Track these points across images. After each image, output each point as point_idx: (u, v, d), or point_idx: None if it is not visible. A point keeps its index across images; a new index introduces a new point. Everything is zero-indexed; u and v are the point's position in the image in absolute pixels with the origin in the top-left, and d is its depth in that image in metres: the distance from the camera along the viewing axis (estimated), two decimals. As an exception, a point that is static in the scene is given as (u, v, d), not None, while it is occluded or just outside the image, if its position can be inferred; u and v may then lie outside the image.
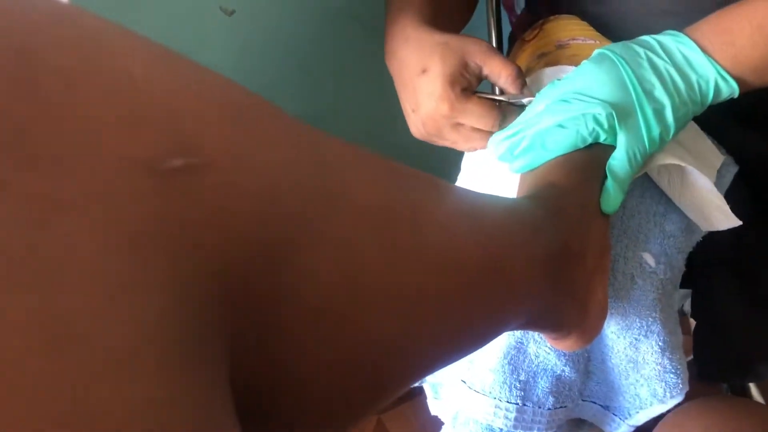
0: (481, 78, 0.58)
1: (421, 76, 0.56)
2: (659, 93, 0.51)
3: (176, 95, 0.22)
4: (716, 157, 0.64)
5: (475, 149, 0.59)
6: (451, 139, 0.58)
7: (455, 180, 0.69)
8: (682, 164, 0.56)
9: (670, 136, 0.52)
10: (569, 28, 0.69)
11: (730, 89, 0.52)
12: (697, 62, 0.52)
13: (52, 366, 0.16)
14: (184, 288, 0.20)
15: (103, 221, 0.18)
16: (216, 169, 0.22)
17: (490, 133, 0.56)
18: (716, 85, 0.52)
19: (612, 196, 0.51)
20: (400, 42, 0.59)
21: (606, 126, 0.50)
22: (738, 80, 0.52)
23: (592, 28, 0.69)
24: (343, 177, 0.28)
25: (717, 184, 0.63)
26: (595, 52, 0.54)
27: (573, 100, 0.51)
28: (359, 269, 0.27)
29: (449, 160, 0.72)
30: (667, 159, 0.55)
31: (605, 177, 0.51)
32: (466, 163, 0.69)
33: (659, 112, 0.51)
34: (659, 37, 0.54)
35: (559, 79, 0.53)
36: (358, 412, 0.30)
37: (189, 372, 0.19)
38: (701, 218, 0.60)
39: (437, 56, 0.55)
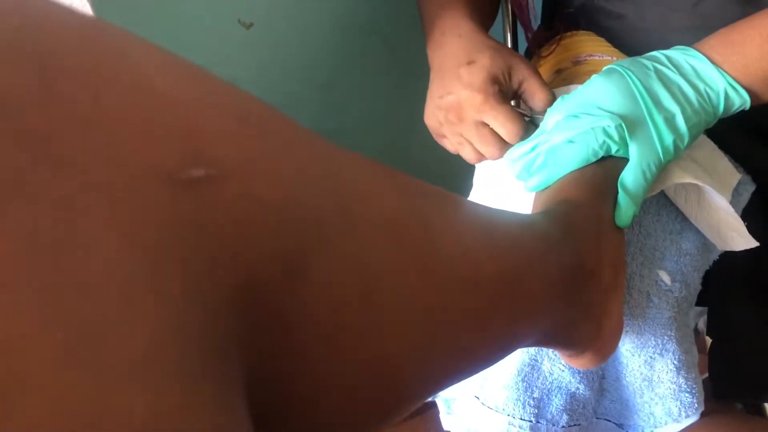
0: (515, 93, 0.59)
1: (466, 67, 0.57)
2: (668, 102, 0.51)
3: (195, 107, 0.23)
4: (733, 175, 0.64)
5: (478, 159, 0.59)
6: (467, 135, 0.58)
7: (467, 196, 0.70)
8: (699, 183, 0.55)
9: (685, 144, 0.52)
10: (586, 45, 0.69)
11: (741, 100, 0.52)
12: (706, 73, 0.52)
13: (70, 373, 0.16)
14: (201, 297, 0.20)
15: (125, 227, 0.19)
16: (235, 180, 0.22)
17: (505, 144, 0.56)
18: (726, 95, 0.52)
19: (624, 210, 0.51)
20: (453, 37, 0.60)
21: (616, 138, 0.50)
22: (749, 92, 0.52)
23: (608, 44, 0.69)
24: (355, 189, 0.28)
25: (734, 203, 0.63)
26: (605, 67, 0.54)
27: (582, 114, 0.51)
28: (373, 283, 0.27)
29: (462, 176, 0.72)
30: (684, 178, 0.55)
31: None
32: (479, 178, 0.69)
33: (670, 121, 0.51)
34: (667, 51, 0.54)
35: (567, 95, 0.53)
36: (370, 428, 0.30)
37: (207, 381, 0.19)
38: (717, 238, 0.60)
39: (487, 54, 0.57)
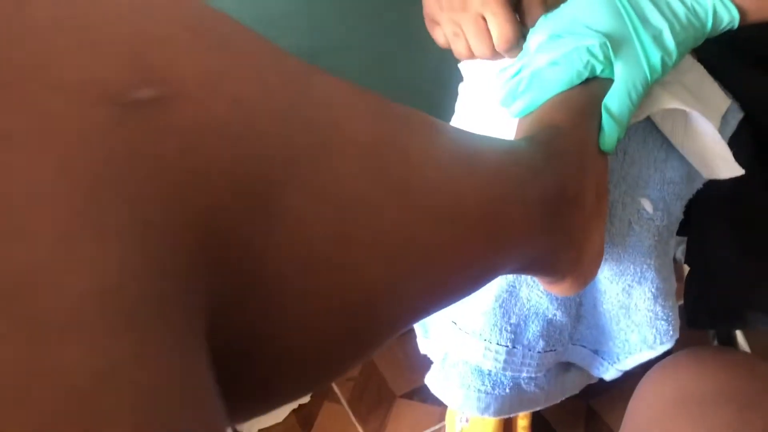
0: (515, 3, 0.57)
1: None
2: (655, 18, 0.49)
3: (142, 13, 0.20)
4: (723, 100, 0.63)
5: (468, 55, 0.57)
6: (465, 26, 0.55)
7: (451, 121, 0.68)
8: (687, 109, 0.54)
9: (673, 60, 0.50)
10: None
11: (729, 16, 0.51)
12: None
13: (2, 326, 0.14)
14: (150, 236, 0.18)
15: (57, 159, 0.16)
16: (187, 101, 0.20)
17: (495, 52, 0.55)
18: (715, 11, 0.50)
19: (608, 134, 0.49)
20: None
21: (601, 57, 0.48)
22: (738, 9, 0.50)
23: None
24: (332, 113, 0.26)
25: (721, 131, 0.62)
26: None
27: (565, 34, 0.49)
28: (348, 216, 0.26)
29: (448, 101, 0.70)
30: (672, 103, 0.54)
31: None
32: (461, 104, 0.67)
33: (657, 37, 0.49)
34: None
35: (549, 13, 0.51)
36: (348, 360, 0.30)
37: (159, 328, 0.17)
38: (703, 165, 0.59)
39: None
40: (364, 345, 0.30)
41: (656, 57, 0.49)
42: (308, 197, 0.24)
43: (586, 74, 0.49)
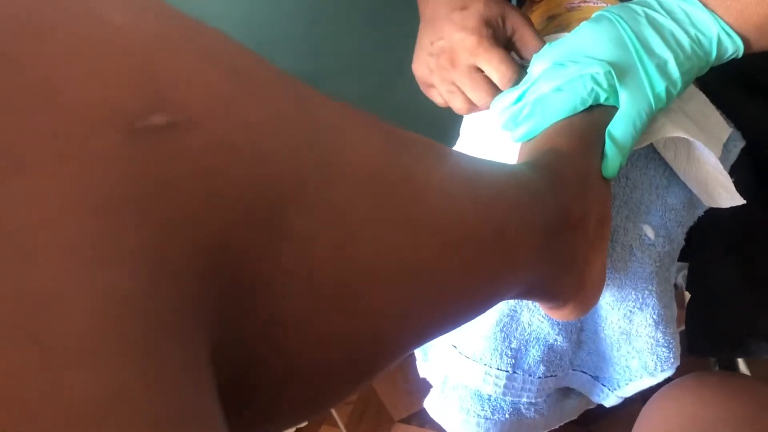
0: (507, 41, 0.58)
1: (459, 11, 0.55)
2: (660, 48, 0.50)
3: (156, 43, 0.20)
4: (724, 130, 0.63)
5: (469, 109, 0.57)
6: (459, 82, 0.56)
7: (454, 146, 0.68)
8: (689, 138, 0.54)
9: (677, 90, 0.51)
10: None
11: (734, 46, 0.51)
12: (699, 18, 0.51)
13: (9, 352, 0.14)
14: (161, 262, 0.18)
15: (71, 183, 0.16)
16: (200, 127, 0.20)
17: (497, 91, 0.55)
18: (719, 41, 0.51)
19: (610, 160, 0.50)
20: None
21: (605, 85, 0.49)
22: (742, 38, 0.51)
23: None
24: (337, 137, 0.26)
25: (722, 159, 0.62)
26: (594, 14, 0.52)
27: (569, 62, 0.49)
28: (355, 237, 0.26)
29: (449, 124, 0.70)
30: (675, 132, 0.54)
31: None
32: (466, 128, 0.68)
33: (662, 67, 0.50)
34: None
35: (554, 42, 0.52)
36: (350, 386, 0.29)
37: (168, 355, 0.17)
38: (705, 194, 0.59)
39: (481, 0, 0.56)
40: (367, 370, 0.30)
41: (661, 86, 0.50)
42: (314, 221, 0.24)
43: (590, 101, 0.49)
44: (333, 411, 1.02)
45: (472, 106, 0.57)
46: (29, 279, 0.15)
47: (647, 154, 0.60)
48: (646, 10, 0.51)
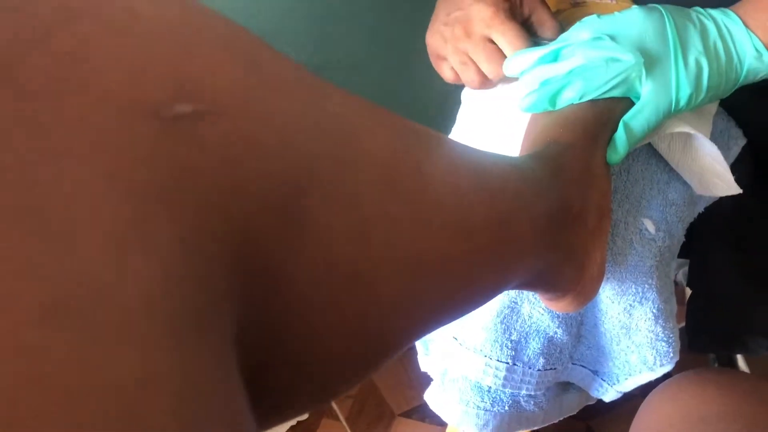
0: (524, 21, 0.58)
1: None
2: (699, 55, 0.50)
3: (183, 36, 0.21)
4: (712, 104, 0.63)
5: (480, 81, 0.57)
6: (472, 52, 0.56)
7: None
8: (692, 132, 0.55)
9: (699, 101, 0.51)
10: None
11: (766, 68, 0.52)
12: (738, 38, 0.51)
13: (52, 335, 0.15)
14: (192, 248, 0.19)
15: (108, 168, 0.17)
16: (225, 117, 0.21)
17: None
18: (750, 65, 0.51)
19: (619, 148, 0.50)
20: None
21: (633, 75, 0.49)
22: None
23: None
24: (350, 128, 0.27)
25: (723, 156, 0.62)
26: (649, 5, 0.53)
27: (606, 44, 0.50)
28: (366, 228, 0.26)
29: (452, 119, 0.70)
30: (681, 127, 0.54)
31: (611, 135, 0.51)
32: (465, 114, 0.68)
33: (695, 74, 0.50)
34: (709, 9, 0.53)
35: (601, 16, 0.52)
36: (360, 374, 0.30)
37: (199, 339, 0.18)
38: (698, 183, 0.60)
39: None
40: (377, 357, 0.30)
41: (686, 92, 0.50)
42: (329, 209, 0.24)
43: (612, 85, 0.50)
44: (334, 404, 1.02)
45: (484, 80, 0.57)
46: (69, 261, 0.15)
47: (648, 150, 0.60)
48: (699, 15, 0.52)
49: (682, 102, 0.50)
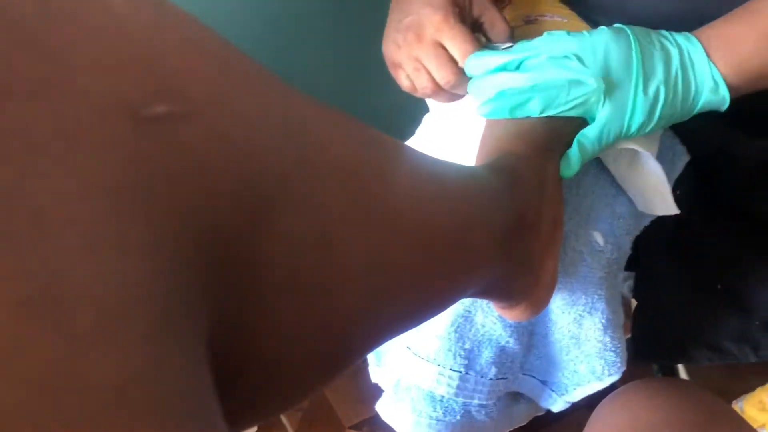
0: (474, 24, 0.58)
1: None
2: (660, 86, 0.51)
3: (161, 36, 0.21)
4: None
5: (433, 88, 0.57)
6: (424, 58, 0.56)
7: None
8: (639, 150, 0.56)
9: (648, 130, 0.52)
10: (538, 3, 0.69)
11: (719, 104, 0.53)
12: (699, 69, 0.52)
13: (28, 332, 0.14)
14: (164, 251, 0.18)
15: (85, 166, 0.17)
16: (201, 118, 0.21)
17: (461, 70, 0.55)
18: (706, 98, 0.52)
19: (573, 163, 0.51)
20: None
21: (593, 99, 0.50)
22: (734, 89, 0.52)
23: (563, 5, 0.69)
24: (318, 134, 0.27)
25: (667, 172, 0.64)
26: (616, 25, 0.53)
27: (573, 65, 0.50)
28: (331, 234, 0.26)
29: (410, 126, 0.71)
30: (628, 144, 0.56)
31: (564, 150, 0.52)
32: (426, 124, 0.68)
33: (652, 105, 0.51)
34: (675, 34, 0.54)
35: (570, 34, 0.52)
36: (320, 381, 0.30)
37: (174, 339, 0.18)
38: (641, 200, 0.61)
39: None
40: (339, 365, 0.30)
41: (638, 120, 0.51)
42: (296, 216, 0.24)
43: (570, 107, 0.51)
44: (282, 417, 1.01)
45: (436, 87, 0.57)
46: (44, 259, 0.15)
47: (598, 164, 0.62)
48: (664, 40, 0.52)
49: (633, 129, 0.52)
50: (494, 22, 0.58)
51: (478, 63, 0.53)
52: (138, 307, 0.17)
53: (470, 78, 0.55)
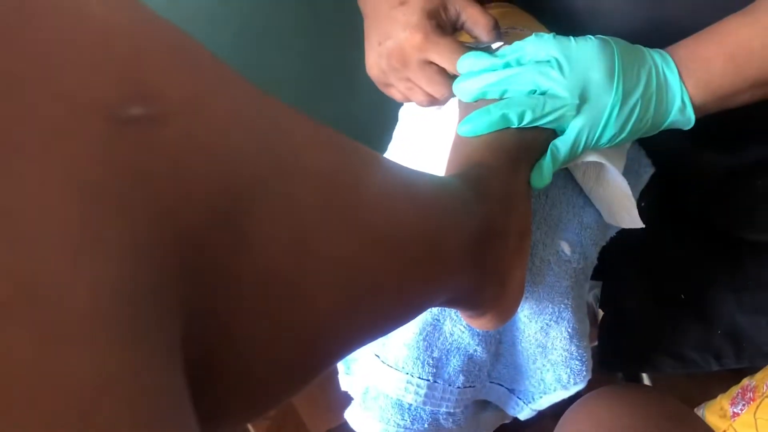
0: (455, 26, 0.58)
1: (399, 7, 0.55)
2: (636, 102, 0.51)
3: (135, 39, 0.21)
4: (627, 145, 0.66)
5: (430, 101, 0.58)
6: (414, 79, 0.56)
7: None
8: (605, 162, 0.57)
9: (617, 142, 0.53)
10: (508, 17, 0.69)
11: (685, 123, 0.54)
12: (671, 88, 0.53)
13: (9, 334, 0.14)
14: (141, 254, 0.19)
15: (62, 167, 0.17)
16: (176, 120, 0.21)
17: (452, 80, 0.55)
18: (674, 117, 0.53)
19: (545, 172, 0.52)
20: None
21: (567, 113, 0.51)
22: (701, 108, 0.53)
23: (532, 18, 0.70)
24: (291, 140, 0.27)
25: (633, 184, 0.65)
26: (602, 37, 0.53)
27: (552, 75, 0.50)
28: (305, 240, 0.26)
29: (376, 134, 0.71)
30: (594, 157, 0.57)
31: (534, 160, 0.52)
32: (401, 131, 0.69)
33: (625, 120, 0.51)
34: (652, 51, 0.54)
35: (557, 38, 0.52)
36: (292, 388, 0.30)
37: (149, 341, 0.18)
38: (608, 213, 0.63)
39: None
40: (311, 371, 0.30)
41: (610, 133, 0.52)
42: (269, 220, 0.25)
43: (539, 117, 0.51)
44: (250, 426, 1.00)
45: (433, 99, 0.57)
46: (21, 260, 0.15)
47: (566, 175, 0.63)
48: (643, 57, 0.53)
49: (603, 140, 0.52)
50: (476, 19, 0.57)
51: (468, 62, 0.53)
52: (113, 308, 0.17)
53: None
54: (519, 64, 0.52)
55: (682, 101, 0.52)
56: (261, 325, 0.25)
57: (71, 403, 0.15)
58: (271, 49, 0.92)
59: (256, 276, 0.24)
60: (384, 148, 0.71)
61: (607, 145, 0.54)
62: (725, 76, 0.52)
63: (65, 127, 0.17)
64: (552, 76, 0.50)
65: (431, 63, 0.55)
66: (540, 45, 0.52)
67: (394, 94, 0.60)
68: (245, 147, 0.24)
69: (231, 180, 0.23)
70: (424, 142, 0.64)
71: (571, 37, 0.53)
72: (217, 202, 0.22)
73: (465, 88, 0.53)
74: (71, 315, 0.16)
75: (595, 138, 0.52)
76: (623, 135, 0.52)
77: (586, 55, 0.51)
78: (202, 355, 0.23)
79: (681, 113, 0.53)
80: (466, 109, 0.55)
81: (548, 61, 0.51)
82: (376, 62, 0.58)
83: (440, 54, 0.54)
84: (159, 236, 0.19)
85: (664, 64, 0.53)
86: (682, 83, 0.52)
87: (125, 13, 0.21)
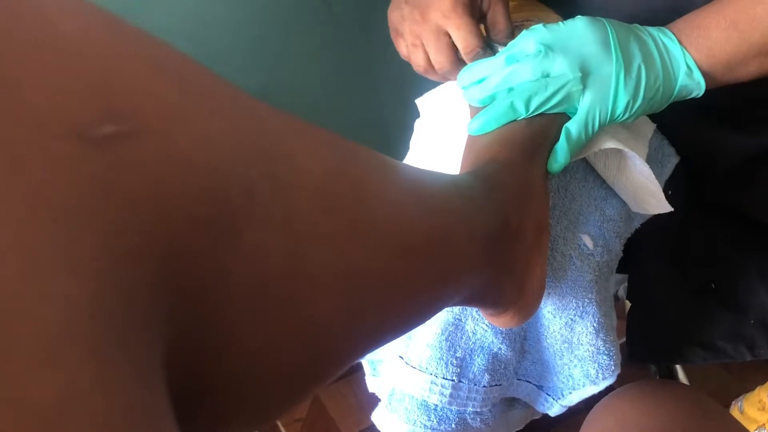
0: (482, 14, 0.59)
1: None
2: (640, 66, 0.52)
3: (106, 53, 0.21)
4: (648, 126, 0.65)
5: (426, 68, 0.58)
6: (424, 38, 0.57)
7: (402, 160, 0.69)
8: (625, 149, 0.56)
9: (634, 113, 0.53)
10: (523, 9, 0.69)
11: (697, 88, 0.54)
12: (673, 54, 0.53)
13: None
14: (116, 268, 0.18)
15: (29, 190, 0.17)
16: (152, 137, 0.20)
17: (457, 60, 0.56)
18: (683, 81, 0.53)
19: (560, 156, 0.52)
20: None
21: (573, 90, 0.51)
22: (708, 75, 0.54)
23: (548, 9, 0.69)
24: (285, 147, 0.27)
25: (657, 174, 0.64)
26: (592, 17, 0.54)
27: (548, 60, 0.51)
28: (301, 249, 0.26)
29: (395, 141, 0.71)
30: (612, 143, 0.56)
31: (549, 151, 0.52)
32: (417, 138, 0.69)
33: (636, 85, 0.52)
34: (648, 27, 0.55)
35: (546, 26, 0.53)
36: (298, 395, 0.30)
37: (123, 360, 0.18)
38: (633, 201, 0.62)
39: None
40: (316, 378, 0.30)
41: (624, 100, 0.52)
42: (264, 229, 0.24)
43: (552, 104, 0.51)
44: (282, 428, 1.01)
45: (429, 67, 0.58)
46: None
47: (585, 167, 0.62)
48: (638, 30, 0.54)
49: (619, 110, 0.52)
50: (497, 19, 0.58)
51: (469, 75, 0.54)
52: (85, 326, 0.17)
53: (462, 66, 0.56)
54: (516, 60, 0.53)
55: (687, 66, 0.53)
56: (257, 335, 0.25)
57: (32, 420, 0.15)
58: (289, 55, 0.92)
59: (249, 286, 0.24)
60: (402, 156, 0.70)
61: (625, 118, 0.53)
62: (728, 41, 0.53)
63: (34, 148, 0.17)
64: (549, 59, 0.51)
65: (446, 34, 0.56)
66: (530, 36, 0.53)
67: (400, 46, 0.60)
68: (232, 158, 0.24)
69: (216, 191, 0.22)
70: (440, 153, 0.63)
71: (560, 22, 0.53)
72: (200, 214, 0.22)
73: (473, 94, 0.54)
74: (37, 336, 0.16)
75: (609, 111, 0.52)
76: (638, 103, 0.52)
77: (577, 32, 0.52)
78: (195, 369, 0.23)
79: (689, 77, 0.53)
80: (476, 111, 0.55)
81: (539, 50, 0.52)
82: (399, 6, 0.59)
83: (458, 29, 0.55)
84: (137, 252, 0.19)
85: (661, 35, 0.54)
86: (684, 49, 0.53)
87: (98, 30, 0.21)
